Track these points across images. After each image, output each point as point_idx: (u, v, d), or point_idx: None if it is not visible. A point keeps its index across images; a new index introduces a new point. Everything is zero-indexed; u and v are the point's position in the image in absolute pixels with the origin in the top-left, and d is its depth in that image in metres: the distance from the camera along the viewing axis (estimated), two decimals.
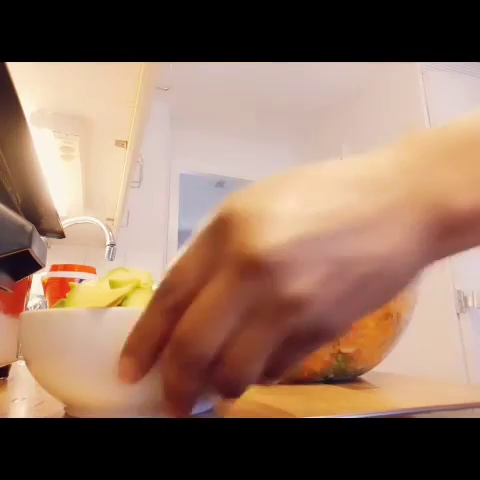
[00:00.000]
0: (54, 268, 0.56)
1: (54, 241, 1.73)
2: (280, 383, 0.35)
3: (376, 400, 0.28)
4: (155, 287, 0.24)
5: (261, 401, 0.27)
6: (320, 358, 0.34)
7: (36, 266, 0.34)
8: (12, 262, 0.31)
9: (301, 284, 0.15)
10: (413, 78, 1.77)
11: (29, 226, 0.27)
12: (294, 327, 0.16)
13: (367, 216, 0.16)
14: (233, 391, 0.19)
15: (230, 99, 2.35)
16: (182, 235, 2.85)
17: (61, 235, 0.48)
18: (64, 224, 0.84)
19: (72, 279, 0.55)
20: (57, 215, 0.44)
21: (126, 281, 0.24)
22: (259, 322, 0.16)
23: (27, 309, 0.85)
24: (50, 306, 0.55)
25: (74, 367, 0.20)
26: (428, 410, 0.24)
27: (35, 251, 0.28)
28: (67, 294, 0.25)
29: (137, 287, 0.24)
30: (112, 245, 1.15)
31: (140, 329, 0.19)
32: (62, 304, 0.24)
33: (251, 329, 0.16)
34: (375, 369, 0.40)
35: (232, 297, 0.16)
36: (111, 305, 0.21)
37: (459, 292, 1.46)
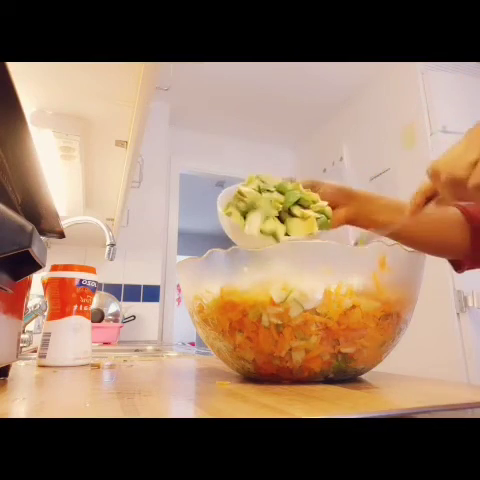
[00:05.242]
0: (54, 268, 0.56)
1: (54, 241, 1.73)
2: (280, 383, 0.35)
3: (376, 400, 0.28)
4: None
5: (261, 401, 0.27)
6: (320, 358, 0.34)
7: (36, 266, 0.34)
8: (12, 262, 0.31)
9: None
10: (413, 78, 1.77)
11: (29, 226, 0.27)
12: None
13: None
14: None
15: (230, 99, 2.35)
16: (182, 235, 2.85)
17: (61, 235, 0.48)
18: (64, 224, 0.84)
19: (72, 279, 0.55)
20: (57, 215, 0.44)
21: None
22: None
23: (27, 309, 0.85)
24: (50, 306, 0.55)
25: None
26: (428, 410, 0.24)
27: (35, 251, 0.28)
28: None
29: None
30: (112, 245, 1.15)
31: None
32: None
33: None
34: (375, 369, 0.40)
35: None
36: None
37: (459, 292, 1.46)
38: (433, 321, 1.48)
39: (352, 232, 2.06)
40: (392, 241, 0.44)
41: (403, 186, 1.78)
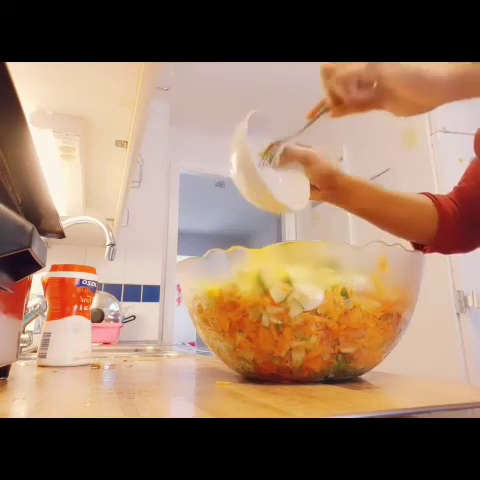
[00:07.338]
0: (54, 268, 0.56)
1: (54, 241, 1.73)
2: (280, 383, 0.35)
3: (376, 400, 0.28)
4: None
5: (261, 401, 0.27)
6: (320, 358, 0.34)
7: (36, 266, 0.34)
8: (12, 262, 0.31)
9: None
10: None
11: (29, 226, 0.27)
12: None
13: None
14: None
15: (230, 99, 2.35)
16: (182, 235, 2.85)
17: (61, 235, 0.48)
18: (64, 224, 0.84)
19: (72, 279, 0.55)
20: (57, 215, 0.44)
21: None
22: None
23: (27, 309, 0.85)
24: (50, 306, 0.55)
25: None
26: (428, 410, 0.24)
27: (35, 251, 0.28)
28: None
29: None
30: (112, 245, 1.16)
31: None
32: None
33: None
34: (375, 369, 0.40)
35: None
36: None
37: (459, 292, 1.46)
38: (433, 321, 1.48)
39: (352, 233, 2.06)
40: (392, 241, 0.46)
41: (403, 186, 1.78)
